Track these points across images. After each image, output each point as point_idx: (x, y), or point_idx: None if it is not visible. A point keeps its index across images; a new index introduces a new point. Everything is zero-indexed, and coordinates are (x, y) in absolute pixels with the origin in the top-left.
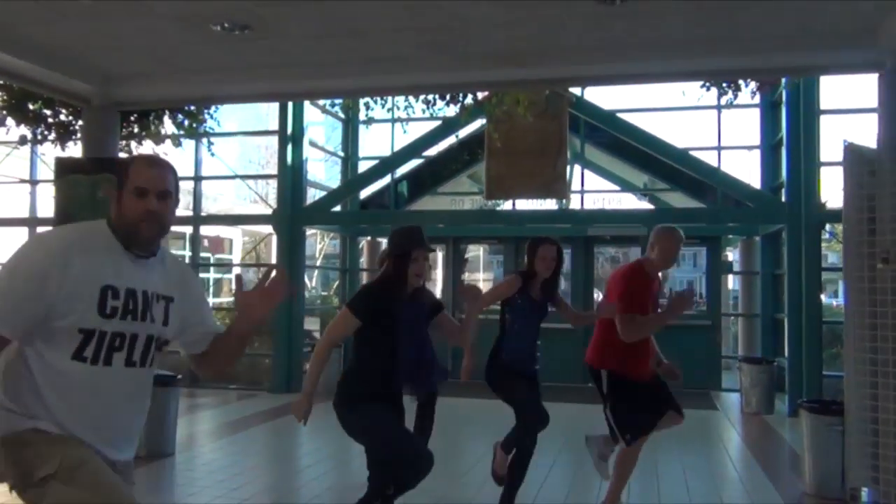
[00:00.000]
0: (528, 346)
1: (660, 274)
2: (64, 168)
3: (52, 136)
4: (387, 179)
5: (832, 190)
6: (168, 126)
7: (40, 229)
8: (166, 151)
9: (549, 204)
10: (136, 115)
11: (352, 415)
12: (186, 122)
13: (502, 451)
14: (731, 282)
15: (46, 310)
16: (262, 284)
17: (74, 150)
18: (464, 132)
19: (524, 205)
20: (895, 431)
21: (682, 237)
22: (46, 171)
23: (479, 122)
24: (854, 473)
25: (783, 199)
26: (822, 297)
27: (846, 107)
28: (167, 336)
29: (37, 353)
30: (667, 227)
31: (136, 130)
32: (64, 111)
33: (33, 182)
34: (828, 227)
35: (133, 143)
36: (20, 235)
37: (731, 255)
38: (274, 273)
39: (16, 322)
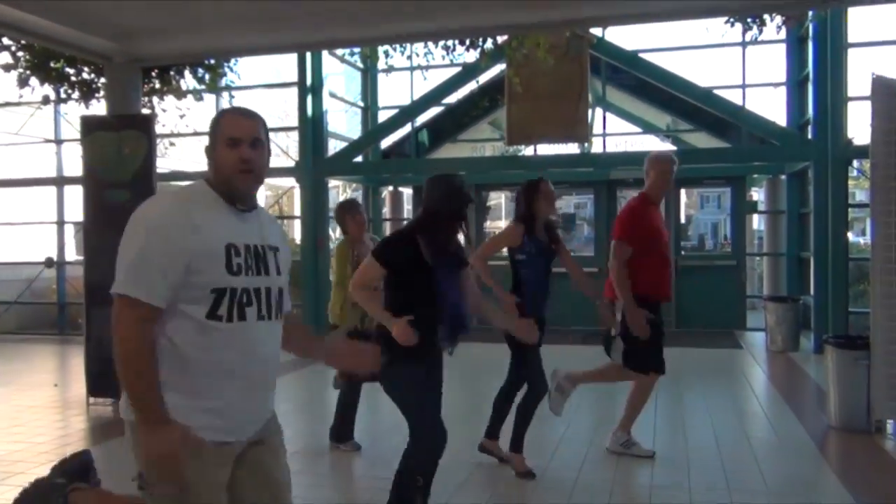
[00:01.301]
0: (541, 290)
1: (686, 214)
2: (89, 126)
3: (76, 94)
4: (407, 128)
5: (860, 126)
6: (189, 81)
7: (68, 188)
8: (188, 106)
9: (572, 148)
10: (157, 71)
11: (388, 370)
12: (207, 77)
13: (516, 454)
14: (757, 222)
15: (185, 272)
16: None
17: (98, 107)
18: (484, 78)
19: (546, 149)
20: None
21: (674, 160)
22: (70, 131)
23: (498, 68)
24: (880, 406)
25: (809, 136)
26: (850, 234)
27: (874, 39)
28: (283, 286)
29: (177, 319)
30: (658, 153)
31: (157, 86)
32: (86, 69)
33: (58, 141)
34: (856, 163)
35: (155, 99)
36: (49, 195)
37: (757, 194)
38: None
39: (163, 289)
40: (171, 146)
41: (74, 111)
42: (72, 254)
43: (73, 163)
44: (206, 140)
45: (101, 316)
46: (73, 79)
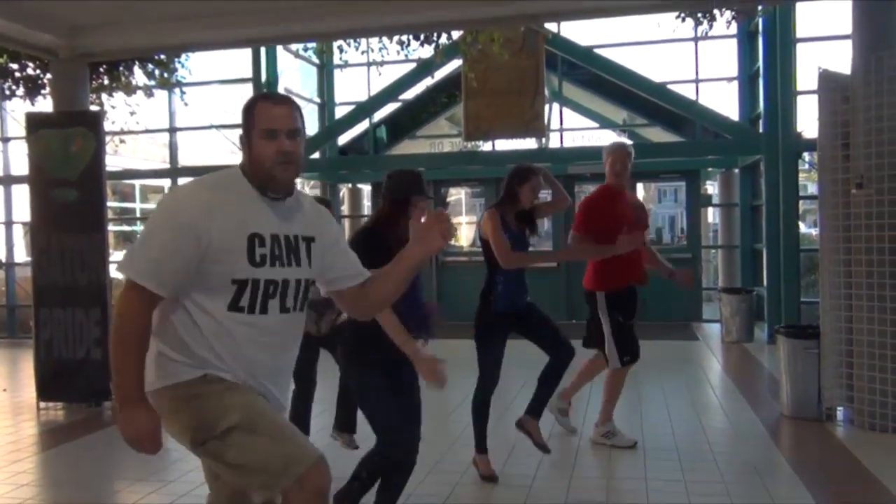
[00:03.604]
0: (518, 281)
1: (645, 208)
2: (35, 123)
3: (21, 91)
4: (365, 125)
5: (809, 119)
6: (139, 76)
7: (15, 188)
8: (138, 102)
9: (529, 143)
10: (105, 67)
11: (358, 377)
12: (157, 72)
13: (533, 419)
14: (711, 215)
15: (197, 262)
16: (434, 217)
17: (44, 104)
18: (440, 74)
19: (504, 145)
20: (869, 352)
21: (624, 149)
22: (17, 128)
23: (455, 64)
24: (829, 393)
25: (761, 129)
26: (802, 226)
27: (822, 34)
28: (312, 277)
29: (197, 307)
30: (612, 143)
31: (106, 82)
32: (31, 65)
33: (4, 139)
34: (807, 156)
35: (104, 95)
36: None
37: (711, 188)
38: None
39: (167, 279)
40: (121, 143)
41: (21, 108)
42: (21, 255)
43: (21, 161)
44: (157, 137)
45: (50, 318)
46: (18, 75)
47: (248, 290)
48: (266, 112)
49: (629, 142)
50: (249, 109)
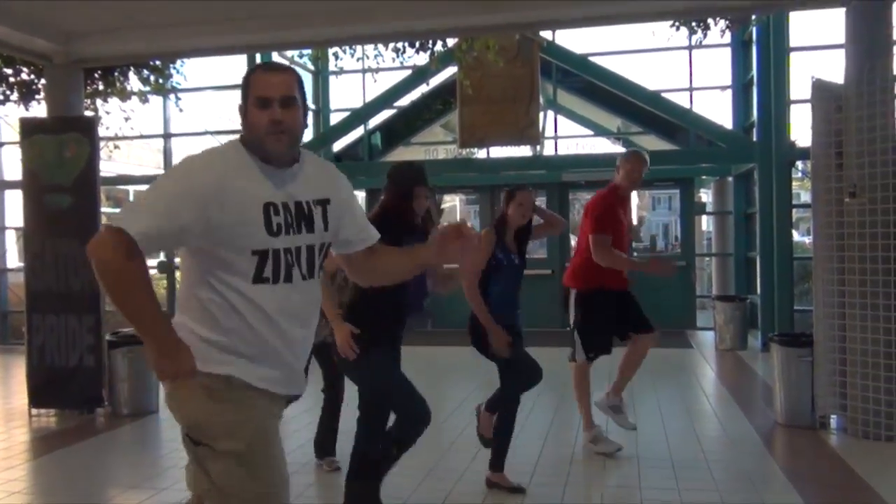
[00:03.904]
0: (510, 297)
1: (638, 215)
2: (28, 128)
3: (15, 96)
4: (360, 131)
5: (802, 127)
6: (134, 82)
7: (9, 193)
8: (133, 108)
9: (523, 150)
10: (100, 72)
11: (358, 360)
12: (152, 78)
13: (487, 412)
14: (705, 223)
15: (199, 234)
16: (456, 230)
17: (39, 109)
18: (435, 81)
19: (498, 152)
20: (862, 360)
21: (644, 159)
22: (11, 133)
23: (450, 71)
24: (823, 401)
25: (754, 138)
26: (796, 234)
27: (816, 43)
28: (328, 240)
29: (225, 285)
30: (630, 151)
31: (100, 88)
32: (25, 70)
33: None
34: (800, 164)
35: (99, 101)
36: None
37: (705, 196)
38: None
39: (154, 241)
40: (115, 149)
41: (14, 113)
42: (14, 260)
43: (14, 166)
44: (151, 143)
45: (43, 324)
46: (12, 80)
47: (269, 260)
48: (260, 80)
49: (622, 150)
50: (246, 79)
